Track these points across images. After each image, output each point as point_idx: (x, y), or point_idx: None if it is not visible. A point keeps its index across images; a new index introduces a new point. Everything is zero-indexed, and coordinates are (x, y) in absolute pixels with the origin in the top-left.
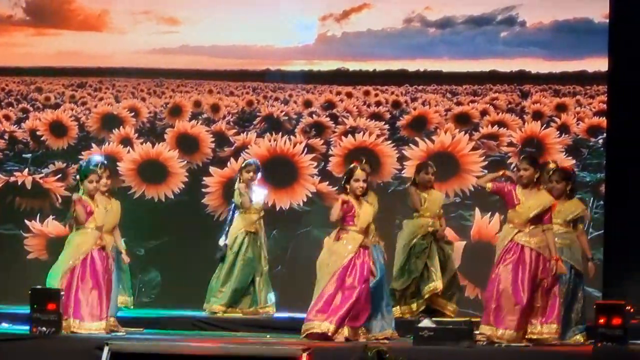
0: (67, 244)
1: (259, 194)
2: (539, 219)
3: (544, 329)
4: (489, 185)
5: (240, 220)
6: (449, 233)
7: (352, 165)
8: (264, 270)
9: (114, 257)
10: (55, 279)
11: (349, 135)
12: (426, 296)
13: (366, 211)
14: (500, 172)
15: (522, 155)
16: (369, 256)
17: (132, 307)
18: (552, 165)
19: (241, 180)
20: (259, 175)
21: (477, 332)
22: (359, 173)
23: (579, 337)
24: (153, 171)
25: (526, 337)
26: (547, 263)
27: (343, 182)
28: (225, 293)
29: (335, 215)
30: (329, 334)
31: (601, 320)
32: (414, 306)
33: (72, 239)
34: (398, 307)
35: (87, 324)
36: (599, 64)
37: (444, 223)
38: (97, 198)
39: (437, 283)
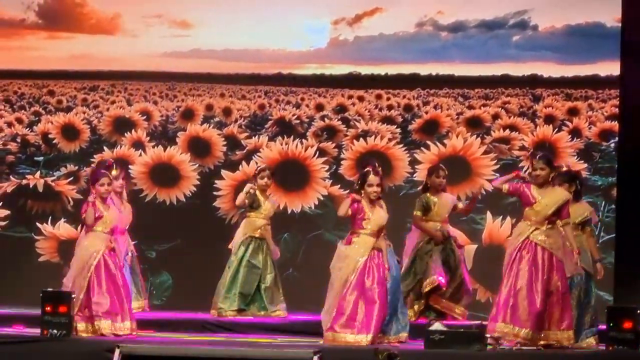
0: (77, 246)
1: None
2: (556, 216)
3: (559, 335)
4: (505, 186)
5: (245, 225)
6: (460, 236)
7: (365, 170)
8: (270, 277)
9: (129, 260)
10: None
11: (361, 139)
12: (427, 289)
13: (379, 215)
14: (514, 174)
15: (538, 155)
16: (384, 258)
17: (147, 309)
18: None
19: (256, 187)
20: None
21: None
22: (373, 178)
23: (591, 340)
24: (165, 174)
25: (541, 342)
26: (560, 265)
27: (357, 186)
28: (232, 299)
29: (343, 210)
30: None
31: (613, 324)
32: (416, 307)
33: (80, 242)
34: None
35: (117, 324)
36: (611, 68)
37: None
38: (111, 199)
39: (434, 277)
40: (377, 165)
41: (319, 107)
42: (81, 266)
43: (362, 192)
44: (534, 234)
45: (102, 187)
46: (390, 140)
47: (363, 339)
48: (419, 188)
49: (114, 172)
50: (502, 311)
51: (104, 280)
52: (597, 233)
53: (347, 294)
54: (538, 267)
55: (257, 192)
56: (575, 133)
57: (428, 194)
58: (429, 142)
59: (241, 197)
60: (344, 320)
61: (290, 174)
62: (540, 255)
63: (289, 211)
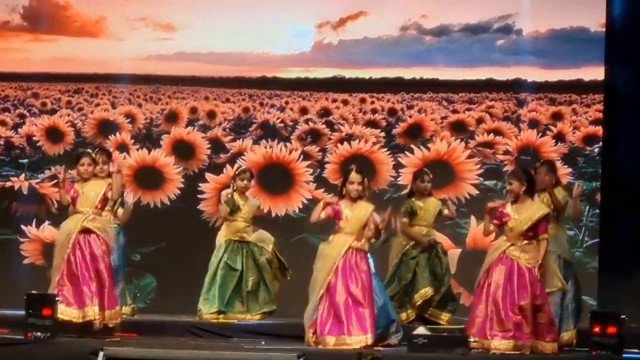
0: None
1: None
2: (534, 232)
3: (543, 345)
4: (491, 227)
5: (225, 228)
6: (445, 241)
7: (348, 169)
8: (252, 280)
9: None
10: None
11: (345, 143)
12: (418, 302)
13: (358, 214)
14: (487, 210)
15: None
16: (363, 258)
17: (134, 315)
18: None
19: (234, 188)
20: (253, 182)
21: (472, 339)
22: (354, 176)
23: (570, 334)
24: (149, 177)
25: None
26: (536, 281)
27: (340, 186)
28: (211, 300)
29: (314, 216)
30: (368, 344)
31: (596, 329)
32: (404, 315)
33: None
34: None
35: (71, 309)
36: (595, 73)
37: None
38: (92, 183)
39: (427, 289)
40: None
41: (303, 111)
42: (57, 249)
43: (344, 190)
44: (509, 250)
45: (82, 167)
46: (374, 144)
47: (347, 340)
48: (404, 192)
49: (95, 156)
50: (476, 324)
51: (74, 262)
52: (580, 237)
53: (325, 296)
54: (513, 281)
55: (236, 195)
56: (559, 138)
57: (413, 199)
58: (413, 146)
59: (222, 209)
60: (324, 322)
61: (274, 178)
62: (516, 270)
63: (273, 214)
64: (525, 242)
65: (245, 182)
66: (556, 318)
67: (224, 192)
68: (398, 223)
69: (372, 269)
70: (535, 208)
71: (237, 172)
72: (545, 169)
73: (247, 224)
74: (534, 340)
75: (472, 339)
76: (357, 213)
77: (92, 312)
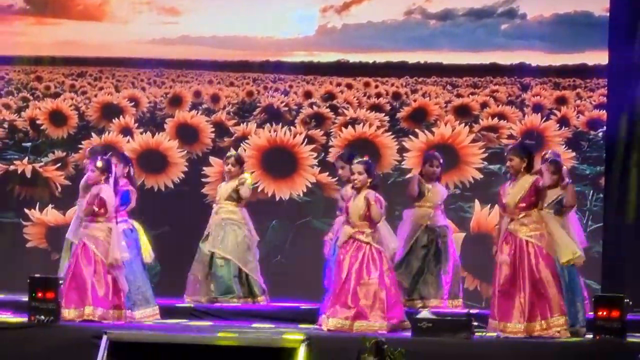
0: None
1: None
2: (529, 203)
3: (553, 322)
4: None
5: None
6: (449, 224)
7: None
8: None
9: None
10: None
11: (349, 127)
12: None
13: (356, 205)
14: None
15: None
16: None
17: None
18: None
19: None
20: (238, 168)
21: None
22: (354, 167)
23: (580, 329)
24: (153, 161)
25: (534, 333)
26: (541, 251)
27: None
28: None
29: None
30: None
31: (600, 313)
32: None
33: None
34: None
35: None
36: (599, 57)
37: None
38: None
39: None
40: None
41: (307, 95)
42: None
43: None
44: (510, 225)
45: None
46: (378, 128)
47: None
48: (408, 176)
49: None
50: (491, 307)
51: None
52: (584, 222)
53: (331, 279)
54: (516, 257)
55: (222, 184)
56: (564, 122)
57: (419, 179)
58: (417, 130)
59: (246, 191)
60: (330, 305)
61: (278, 162)
62: (519, 246)
63: (277, 198)
64: (522, 214)
65: (230, 166)
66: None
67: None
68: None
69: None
70: (527, 179)
71: (224, 159)
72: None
73: (220, 205)
74: (539, 321)
75: (490, 322)
76: (355, 203)
77: None
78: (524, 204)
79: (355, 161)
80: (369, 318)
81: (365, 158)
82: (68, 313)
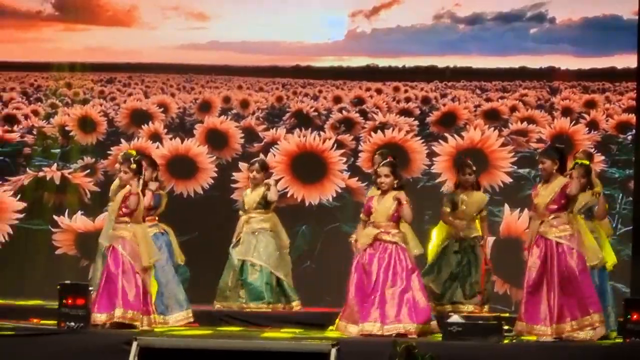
0: None
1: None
2: (559, 206)
3: (588, 320)
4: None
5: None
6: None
7: (377, 160)
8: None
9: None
10: None
11: (379, 131)
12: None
13: (384, 206)
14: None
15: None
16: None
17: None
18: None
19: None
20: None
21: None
22: (380, 169)
23: (611, 333)
24: (182, 167)
25: (564, 334)
26: (571, 252)
27: (373, 177)
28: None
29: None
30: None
31: (630, 316)
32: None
33: None
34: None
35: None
36: (628, 61)
37: (485, 229)
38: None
39: (469, 306)
40: (389, 156)
41: (337, 100)
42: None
43: (376, 184)
44: (540, 228)
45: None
46: (407, 132)
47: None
48: (437, 181)
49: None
50: (520, 309)
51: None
52: (614, 225)
53: (350, 285)
54: (547, 261)
55: (247, 191)
56: (593, 125)
57: (458, 191)
58: (446, 135)
59: (274, 195)
60: (348, 311)
61: (307, 167)
62: (549, 246)
63: (307, 203)
64: (552, 216)
65: (254, 173)
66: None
67: (267, 182)
68: None
69: (407, 262)
70: (559, 181)
71: (248, 168)
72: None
73: (250, 215)
74: (571, 322)
75: (518, 324)
76: (382, 205)
77: None
78: (554, 206)
79: (382, 163)
80: (399, 320)
81: (390, 159)
82: (99, 317)
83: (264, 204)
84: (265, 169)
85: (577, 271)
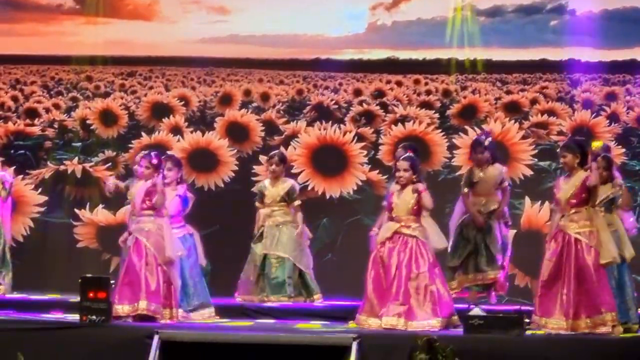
0: None
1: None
2: (580, 200)
3: (601, 319)
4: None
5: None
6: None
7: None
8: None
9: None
10: None
11: (399, 124)
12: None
13: (404, 200)
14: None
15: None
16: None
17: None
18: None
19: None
20: (282, 166)
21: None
22: (399, 164)
23: (632, 326)
24: (203, 160)
25: (579, 330)
26: (589, 248)
27: (393, 172)
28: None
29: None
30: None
31: None
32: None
33: None
34: (454, 281)
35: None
36: None
37: (504, 201)
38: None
39: (490, 273)
40: (409, 150)
41: (357, 92)
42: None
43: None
44: (561, 222)
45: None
46: (428, 125)
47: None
48: (458, 173)
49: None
50: (535, 302)
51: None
52: (635, 218)
53: (368, 279)
54: (564, 255)
55: (266, 183)
56: (613, 118)
57: (474, 169)
58: (467, 127)
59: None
60: (368, 305)
61: (328, 160)
62: (568, 240)
63: (328, 196)
64: (573, 210)
65: (274, 166)
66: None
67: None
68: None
69: (429, 256)
70: (580, 175)
71: (267, 160)
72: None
73: (273, 208)
74: (585, 319)
75: (535, 318)
76: (402, 199)
77: None
78: (575, 200)
79: (401, 158)
80: (421, 314)
81: (409, 153)
82: (122, 309)
83: (287, 199)
84: (284, 161)
85: (593, 269)
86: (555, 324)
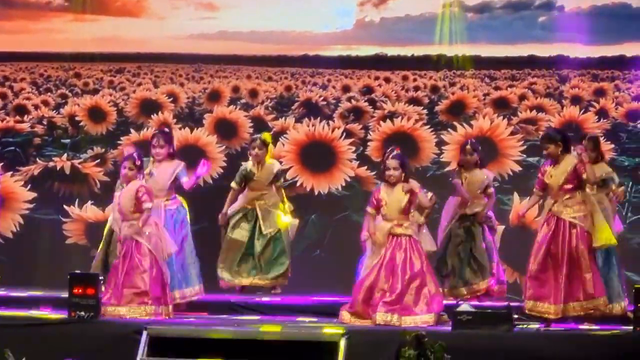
0: None
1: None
2: (572, 185)
3: (592, 303)
4: (538, 194)
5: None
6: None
7: (386, 152)
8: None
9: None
10: None
11: (388, 120)
12: (468, 296)
13: (395, 199)
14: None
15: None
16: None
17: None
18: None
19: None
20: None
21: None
22: (389, 162)
23: (622, 306)
24: (191, 156)
25: (568, 314)
26: (583, 233)
27: (381, 171)
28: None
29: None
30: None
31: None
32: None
33: None
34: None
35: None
36: (638, 49)
37: (489, 204)
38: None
39: (481, 284)
40: (395, 148)
41: (346, 89)
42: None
43: (384, 178)
44: (554, 207)
45: (124, 170)
46: (416, 121)
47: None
48: (446, 169)
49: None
50: (526, 288)
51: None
52: (623, 213)
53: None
54: (558, 239)
55: (249, 167)
56: (602, 114)
57: (461, 170)
58: (455, 123)
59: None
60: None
61: (317, 156)
62: (561, 226)
63: (316, 193)
64: (567, 196)
65: (256, 150)
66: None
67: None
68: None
69: (422, 255)
70: (569, 159)
71: (249, 143)
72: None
73: (261, 192)
74: (575, 302)
75: (529, 304)
76: (394, 198)
77: None
78: (568, 186)
79: (390, 156)
80: (415, 310)
81: (397, 151)
82: (122, 310)
83: (272, 181)
84: (266, 145)
85: (585, 254)
86: (545, 308)
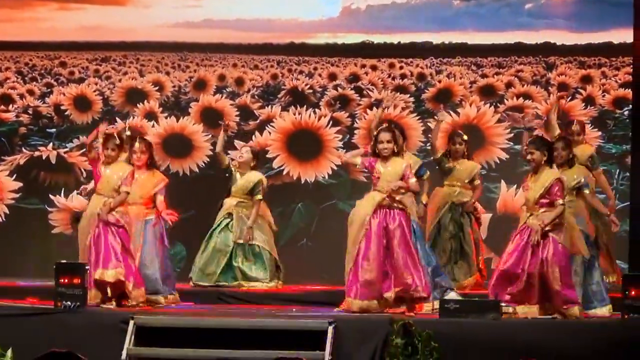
0: None
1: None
2: (548, 200)
3: (565, 312)
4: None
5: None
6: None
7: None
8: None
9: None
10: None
11: (374, 108)
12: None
13: (392, 171)
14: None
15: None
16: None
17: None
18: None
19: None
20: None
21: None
22: (382, 135)
23: (604, 310)
24: (177, 145)
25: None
26: (556, 245)
27: (372, 147)
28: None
29: (349, 155)
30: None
31: (630, 292)
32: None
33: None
34: None
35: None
36: (624, 36)
37: (476, 195)
38: (115, 167)
39: (472, 279)
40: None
41: (332, 77)
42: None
43: (377, 150)
44: (529, 220)
45: (106, 150)
46: (403, 109)
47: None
48: (433, 157)
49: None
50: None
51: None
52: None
53: (358, 258)
54: (527, 251)
55: (234, 170)
56: (589, 101)
57: (448, 159)
58: (447, 112)
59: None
60: (358, 286)
61: (303, 144)
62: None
63: (303, 181)
64: (542, 210)
65: (245, 157)
66: (579, 285)
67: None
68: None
69: (415, 228)
70: (548, 174)
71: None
72: (562, 143)
73: (239, 199)
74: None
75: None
76: (390, 170)
77: None
78: (544, 200)
79: (381, 129)
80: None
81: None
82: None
83: (251, 192)
84: (255, 155)
85: (559, 266)
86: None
